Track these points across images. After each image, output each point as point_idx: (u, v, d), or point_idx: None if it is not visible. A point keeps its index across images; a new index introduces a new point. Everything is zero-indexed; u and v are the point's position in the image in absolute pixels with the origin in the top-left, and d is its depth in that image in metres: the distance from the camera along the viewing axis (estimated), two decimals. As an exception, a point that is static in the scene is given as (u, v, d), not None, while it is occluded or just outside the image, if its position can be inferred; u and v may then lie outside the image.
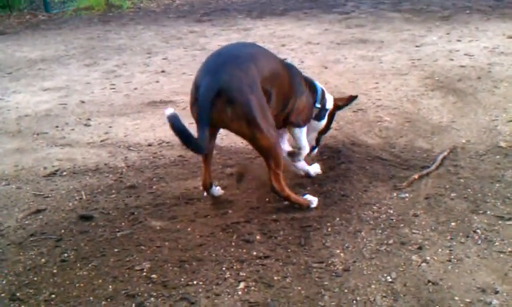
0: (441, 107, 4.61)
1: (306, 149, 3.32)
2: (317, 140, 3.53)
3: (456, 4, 9.89)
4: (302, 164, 3.37)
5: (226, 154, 3.88)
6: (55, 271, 2.58)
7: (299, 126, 3.25)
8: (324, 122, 3.46)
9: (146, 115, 4.88)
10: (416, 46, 6.92)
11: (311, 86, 3.36)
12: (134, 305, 2.29)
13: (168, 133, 4.31)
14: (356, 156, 3.67)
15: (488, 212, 2.88)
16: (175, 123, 2.58)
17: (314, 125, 3.42)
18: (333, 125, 4.11)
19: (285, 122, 3.20)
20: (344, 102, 3.54)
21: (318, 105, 3.35)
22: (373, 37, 7.64)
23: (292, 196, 3.00)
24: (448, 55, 6.33)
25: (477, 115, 4.36)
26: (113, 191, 3.40)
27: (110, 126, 4.61)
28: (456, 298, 2.23)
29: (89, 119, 4.84)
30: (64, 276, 2.54)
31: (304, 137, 3.30)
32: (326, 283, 2.38)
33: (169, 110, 2.58)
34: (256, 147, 2.88)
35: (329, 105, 3.44)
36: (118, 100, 5.41)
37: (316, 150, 3.58)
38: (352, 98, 3.54)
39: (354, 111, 4.61)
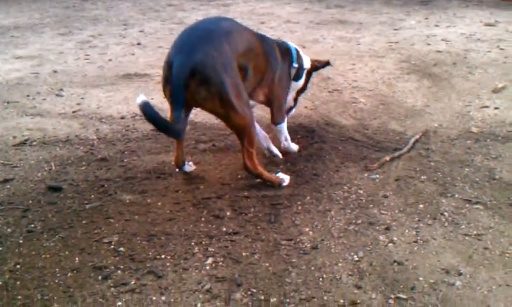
0: (416, 91, 4.64)
1: (289, 139, 3.39)
2: (295, 100, 3.54)
3: (435, -11, 9.93)
4: (267, 141, 3.38)
5: (200, 130, 3.85)
6: (21, 241, 2.54)
7: (281, 123, 3.31)
8: (301, 82, 3.49)
9: (120, 87, 4.81)
10: (395, 29, 6.94)
11: (285, 48, 3.35)
12: (100, 277, 2.27)
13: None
14: (329, 136, 3.68)
15: (456, 196, 2.92)
16: (147, 111, 2.55)
17: (293, 85, 3.44)
18: (308, 104, 4.12)
19: (264, 100, 3.22)
20: (320, 64, 3.58)
21: (295, 65, 3.35)
22: (352, 18, 7.64)
23: (265, 174, 3.01)
24: (425, 39, 6.36)
25: (451, 100, 4.40)
26: (83, 163, 3.36)
27: (82, 98, 4.54)
28: (421, 278, 2.26)
29: (61, 89, 4.76)
30: (30, 247, 2.50)
31: (285, 129, 3.36)
32: (293, 260, 2.39)
33: (141, 98, 2.54)
34: (230, 125, 2.87)
35: (307, 65, 3.46)
36: (91, 71, 5.32)
37: (293, 111, 3.59)
38: (328, 62, 3.61)
39: (329, 91, 4.62)
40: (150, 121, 2.59)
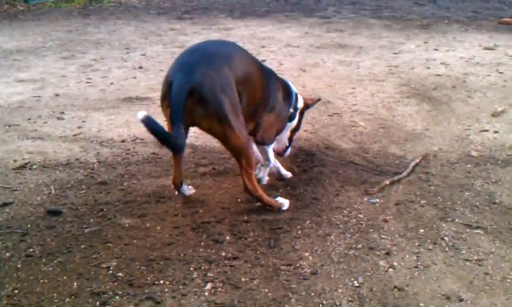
0: (416, 115, 4.65)
1: (271, 163, 3.35)
2: (290, 140, 3.54)
3: (435, 14, 10.01)
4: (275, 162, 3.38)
5: (200, 153, 3.85)
6: (19, 266, 2.53)
7: (264, 144, 3.27)
8: (295, 121, 3.49)
9: (121, 111, 4.83)
10: (394, 53, 6.98)
11: (287, 90, 3.36)
12: (98, 303, 2.26)
13: (142, 130, 4.24)
14: (329, 160, 3.69)
15: (456, 220, 2.91)
16: (150, 125, 2.57)
17: (288, 125, 3.44)
18: (308, 128, 4.13)
19: (253, 135, 3.18)
20: (312, 102, 3.62)
21: (291, 110, 3.36)
22: (352, 42, 7.69)
23: (264, 197, 3.00)
24: (425, 63, 6.40)
25: (450, 124, 4.41)
26: (83, 187, 3.36)
27: (83, 121, 4.55)
28: (421, 304, 2.25)
29: (62, 112, 4.78)
30: (29, 272, 2.49)
31: (270, 152, 3.32)
32: (293, 285, 2.37)
33: (142, 113, 2.56)
34: (228, 146, 2.88)
35: (300, 104, 3.47)
36: (93, 94, 5.35)
37: (289, 150, 3.58)
38: (318, 100, 3.72)
39: (329, 115, 4.63)
40: (153, 133, 2.60)
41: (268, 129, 3.23)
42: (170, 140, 2.63)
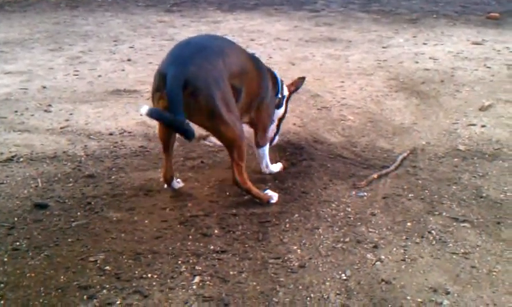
0: (404, 109, 4.67)
1: (268, 167, 3.40)
2: (277, 126, 3.55)
3: (423, 8, 10.04)
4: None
5: (189, 146, 3.84)
6: (6, 259, 2.51)
7: (263, 145, 3.32)
8: (282, 109, 3.52)
9: (109, 103, 4.80)
10: (383, 47, 7.00)
11: (273, 77, 3.37)
12: (85, 297, 2.25)
13: (130, 123, 4.26)
14: (318, 153, 3.69)
15: (444, 214, 2.93)
16: (159, 115, 2.63)
17: (275, 113, 3.46)
18: (297, 121, 4.14)
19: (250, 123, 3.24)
20: (295, 86, 3.64)
21: (279, 96, 3.39)
22: (341, 36, 7.70)
23: (253, 190, 3.00)
24: (413, 57, 6.42)
25: (438, 118, 4.43)
26: (70, 180, 3.33)
27: (71, 114, 4.52)
28: (408, 297, 2.26)
29: (50, 105, 4.74)
30: (15, 265, 2.47)
31: (267, 153, 3.36)
32: (281, 279, 2.38)
33: (145, 108, 2.58)
34: (220, 139, 2.89)
35: (285, 92, 3.51)
36: (81, 86, 5.31)
37: (277, 138, 3.59)
38: (302, 79, 3.69)
39: (318, 109, 4.64)
40: (163, 122, 2.68)
41: (265, 129, 3.31)
42: (183, 126, 2.61)
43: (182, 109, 2.61)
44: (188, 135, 2.69)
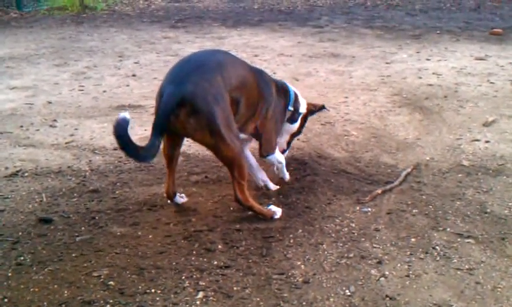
0: (408, 124, 4.68)
1: (283, 164, 3.39)
2: (288, 143, 3.55)
3: (426, 24, 10.09)
4: (262, 174, 3.40)
5: (193, 161, 3.85)
6: (10, 274, 2.52)
7: (269, 155, 3.29)
8: (296, 125, 3.52)
9: (114, 118, 4.80)
10: (387, 63, 7.02)
11: (284, 89, 3.38)
12: (89, 312, 2.25)
13: (135, 138, 4.23)
14: (321, 169, 3.69)
15: (448, 229, 2.92)
16: (117, 128, 2.58)
17: (287, 127, 3.47)
18: (301, 137, 4.14)
19: (255, 134, 3.23)
20: (316, 108, 3.63)
21: (291, 108, 3.39)
22: (345, 52, 7.73)
23: (256, 207, 3.00)
24: (417, 73, 6.44)
25: (442, 133, 4.44)
26: (75, 195, 3.35)
27: (76, 129, 4.54)
28: (413, 313, 2.26)
29: (55, 120, 4.77)
30: (19, 280, 2.48)
31: (277, 157, 3.34)
32: (285, 294, 2.37)
33: (122, 115, 2.59)
34: (220, 157, 2.88)
35: (303, 109, 3.49)
36: (86, 102, 5.34)
37: (287, 153, 3.59)
38: (323, 107, 3.68)
39: (322, 124, 4.65)
40: (115, 137, 2.61)
41: (269, 139, 3.26)
42: (130, 149, 2.61)
43: (162, 131, 2.65)
44: (138, 160, 2.75)
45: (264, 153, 3.28)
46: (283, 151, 3.55)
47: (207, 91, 2.70)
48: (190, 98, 2.65)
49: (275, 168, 3.41)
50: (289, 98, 3.40)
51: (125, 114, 2.59)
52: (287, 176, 3.47)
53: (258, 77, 3.18)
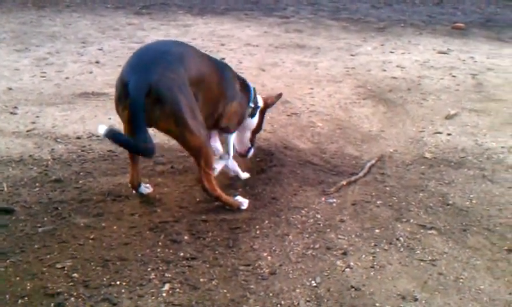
0: (372, 116, 4.74)
1: (230, 154, 3.36)
2: (252, 140, 3.54)
3: (391, 17, 10.22)
4: (233, 165, 3.38)
5: (159, 151, 3.80)
6: (-31, 266, 2.45)
7: (228, 132, 3.28)
8: (256, 120, 3.48)
9: (77, 106, 4.72)
10: (352, 55, 7.09)
11: (244, 85, 3.36)
12: (52, 305, 2.20)
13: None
14: (288, 160, 3.71)
15: (411, 221, 2.98)
16: (116, 137, 2.56)
17: (247, 123, 3.44)
18: (267, 127, 4.15)
19: (215, 126, 3.19)
20: (272, 100, 3.60)
21: (252, 105, 3.37)
22: (310, 43, 7.76)
23: (223, 197, 2.99)
24: (381, 65, 6.53)
25: (405, 126, 4.51)
26: (37, 184, 3.27)
27: (37, 116, 4.43)
28: (377, 304, 2.29)
29: (15, 107, 4.63)
30: (-21, 272, 2.41)
31: (231, 142, 3.33)
32: (251, 286, 2.38)
33: (102, 128, 2.52)
34: (186, 146, 2.86)
35: (260, 103, 3.48)
36: (47, 88, 5.21)
37: (252, 151, 3.58)
38: (279, 96, 3.65)
39: (288, 115, 4.66)
40: (121, 145, 2.63)
41: (231, 117, 3.23)
42: (140, 147, 2.61)
43: (144, 122, 2.60)
44: (147, 154, 2.73)
45: (223, 126, 3.21)
46: (248, 150, 3.53)
47: (173, 80, 2.66)
48: (156, 87, 2.61)
49: (219, 156, 3.37)
50: (249, 95, 3.39)
51: (103, 127, 2.53)
52: (218, 171, 3.36)
53: (221, 73, 3.14)
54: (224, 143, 3.34)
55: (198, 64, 2.93)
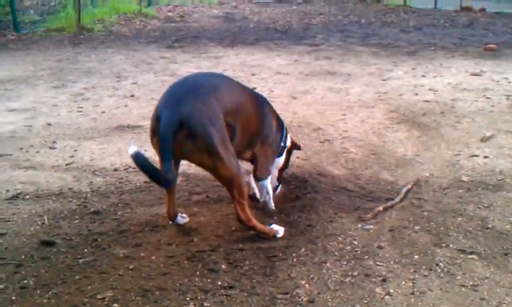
0: (406, 141, 4.70)
1: (270, 195, 3.38)
2: (279, 179, 3.54)
3: (421, 41, 10.18)
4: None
5: (194, 181, 3.86)
6: (14, 298, 2.50)
7: (262, 179, 3.30)
8: (282, 159, 3.49)
9: (114, 139, 4.83)
10: (383, 80, 7.08)
11: (279, 121, 3.40)
12: (94, 335, 2.24)
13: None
14: (322, 186, 3.70)
15: (451, 246, 2.93)
16: (139, 161, 2.63)
17: (276, 161, 3.44)
18: (300, 154, 4.16)
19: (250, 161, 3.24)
20: (297, 145, 3.65)
21: (282, 144, 3.40)
22: (341, 69, 7.79)
23: (258, 226, 3.00)
24: (413, 89, 6.49)
25: (440, 149, 4.46)
26: (77, 216, 3.34)
27: (76, 150, 4.55)
28: (418, 331, 2.25)
29: (54, 142, 4.77)
30: (23, 303, 2.46)
31: (269, 185, 3.35)
32: (290, 314, 2.37)
33: (133, 149, 2.60)
34: (219, 178, 2.90)
35: (288, 143, 3.50)
36: (85, 123, 5.35)
37: (279, 188, 3.58)
38: (298, 147, 3.70)
39: (321, 142, 4.67)
40: (141, 170, 2.66)
41: (265, 163, 3.26)
42: (159, 176, 2.68)
43: (171, 155, 2.67)
44: (165, 185, 2.82)
45: (258, 175, 3.28)
46: (275, 188, 3.53)
47: (202, 112, 2.72)
48: (187, 120, 2.68)
49: (261, 197, 3.39)
50: (282, 133, 3.41)
51: (134, 147, 2.61)
52: (273, 206, 3.40)
53: (260, 106, 3.20)
54: (262, 188, 3.36)
55: (234, 95, 2.99)
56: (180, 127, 2.66)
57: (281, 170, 3.54)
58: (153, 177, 2.68)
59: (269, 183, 3.35)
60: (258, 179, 3.30)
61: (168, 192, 3.13)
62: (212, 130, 2.72)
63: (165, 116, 2.69)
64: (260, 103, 3.22)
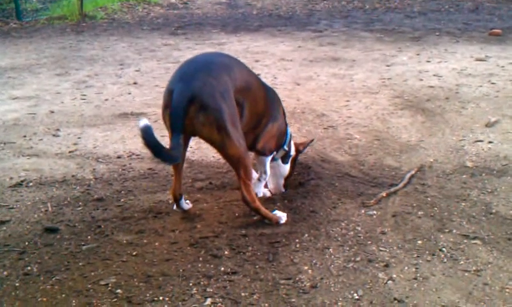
0: (410, 126, 4.68)
1: (267, 175, 3.35)
2: (285, 186, 3.51)
3: (426, 26, 10.10)
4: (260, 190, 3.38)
5: (197, 168, 3.86)
6: (17, 284, 2.52)
7: (265, 155, 3.27)
8: (288, 167, 3.47)
9: (117, 127, 4.83)
10: (387, 65, 7.03)
11: (285, 117, 3.40)
12: (97, 320, 2.25)
13: (138, 146, 4.28)
14: (325, 172, 3.70)
15: (454, 231, 2.92)
16: (147, 135, 2.61)
17: (282, 169, 3.44)
18: (304, 141, 4.13)
19: (252, 147, 3.19)
20: (303, 146, 3.59)
21: (286, 148, 3.37)
22: (345, 55, 7.74)
23: (262, 210, 3.00)
24: (417, 75, 6.45)
25: (445, 135, 4.44)
26: (80, 203, 3.35)
27: (79, 137, 4.55)
28: (421, 316, 2.25)
29: (58, 129, 4.77)
30: (27, 290, 2.47)
31: (268, 164, 3.32)
32: (293, 299, 2.37)
33: (143, 121, 2.61)
34: (226, 155, 2.89)
35: (292, 151, 3.48)
36: (88, 110, 5.35)
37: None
38: (310, 141, 3.66)
39: (324, 128, 4.65)
40: (146, 144, 2.62)
41: (269, 140, 3.24)
42: (162, 153, 2.65)
43: (181, 129, 2.68)
44: (171, 161, 2.79)
45: (260, 149, 3.22)
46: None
47: (215, 87, 2.73)
48: (199, 94, 2.69)
49: (256, 177, 3.36)
50: (286, 137, 3.40)
51: (145, 121, 2.61)
52: (261, 193, 3.37)
53: (267, 91, 3.20)
54: (261, 165, 3.34)
55: (244, 74, 3.00)
56: (192, 101, 2.68)
57: (287, 178, 3.52)
58: (157, 153, 2.65)
59: (268, 162, 3.33)
60: (259, 153, 3.26)
61: (175, 171, 3.10)
62: (223, 105, 2.73)
63: (178, 90, 2.71)
64: (266, 88, 3.22)
